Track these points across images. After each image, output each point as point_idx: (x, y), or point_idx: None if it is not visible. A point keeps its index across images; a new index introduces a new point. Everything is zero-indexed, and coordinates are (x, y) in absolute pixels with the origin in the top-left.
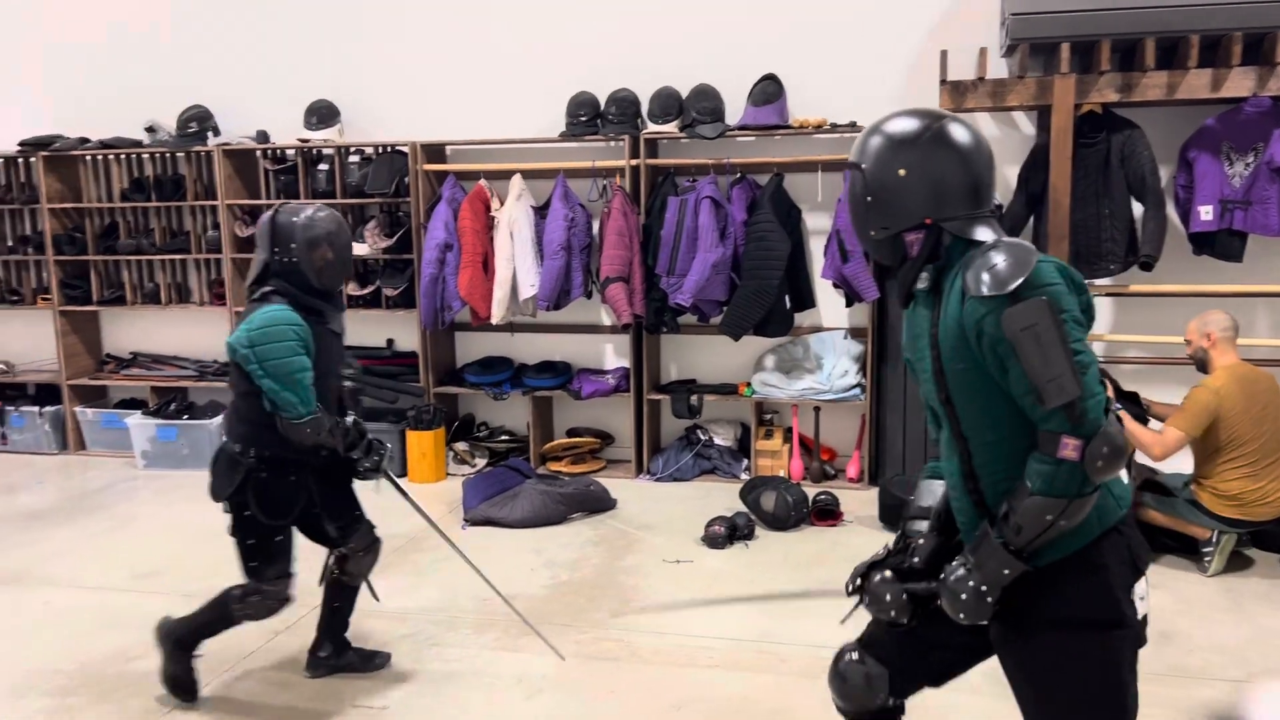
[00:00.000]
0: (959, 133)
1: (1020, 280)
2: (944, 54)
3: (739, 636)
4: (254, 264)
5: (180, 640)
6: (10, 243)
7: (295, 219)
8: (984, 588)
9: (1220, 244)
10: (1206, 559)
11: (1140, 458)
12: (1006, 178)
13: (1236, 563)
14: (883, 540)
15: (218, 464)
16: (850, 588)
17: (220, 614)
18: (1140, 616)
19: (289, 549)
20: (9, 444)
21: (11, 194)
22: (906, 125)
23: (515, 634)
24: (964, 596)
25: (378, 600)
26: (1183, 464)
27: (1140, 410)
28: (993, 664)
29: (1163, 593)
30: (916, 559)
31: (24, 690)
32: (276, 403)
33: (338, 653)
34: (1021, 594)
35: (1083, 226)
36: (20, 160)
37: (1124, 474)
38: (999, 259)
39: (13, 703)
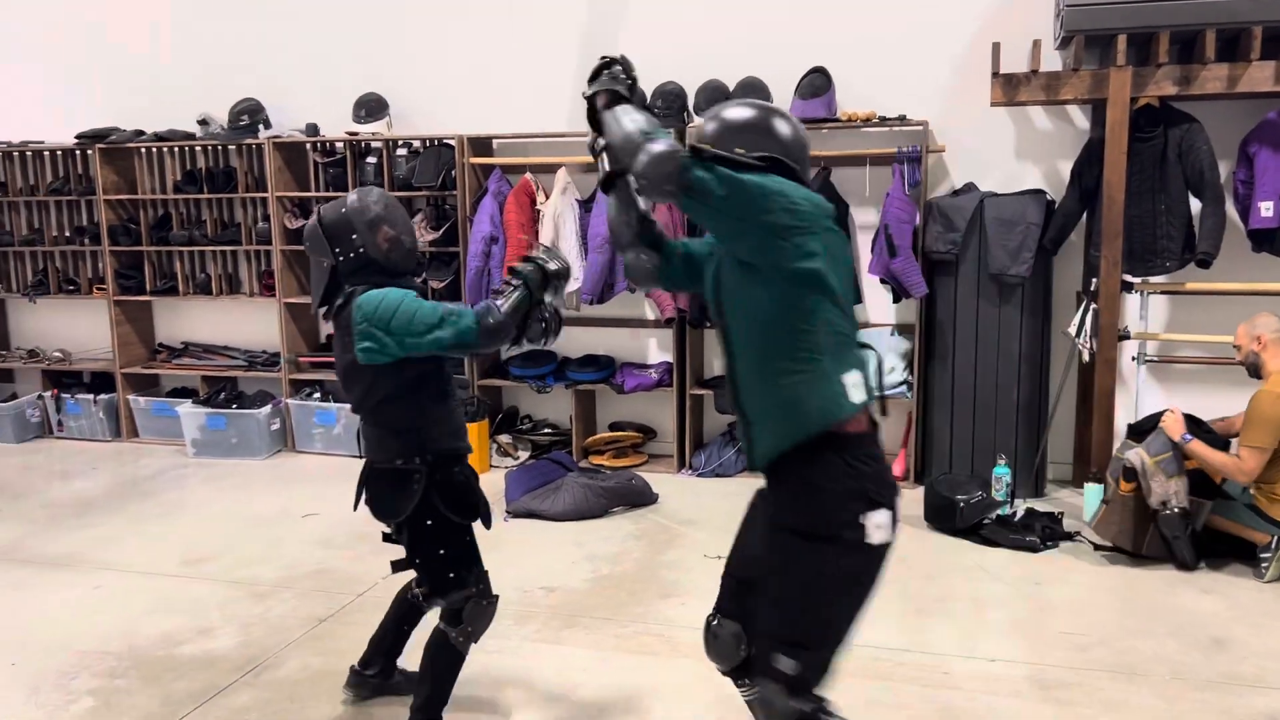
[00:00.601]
0: (782, 125)
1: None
2: (996, 46)
3: None
4: (315, 277)
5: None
6: (68, 233)
7: (344, 210)
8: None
9: None
10: (1264, 564)
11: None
12: (1060, 172)
13: None
14: (928, 541)
15: (378, 486)
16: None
17: (445, 664)
18: (878, 542)
19: (477, 548)
20: (65, 430)
21: (69, 186)
22: (742, 113)
23: (557, 626)
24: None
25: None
26: None
27: (1211, 436)
28: (1039, 671)
29: (1217, 598)
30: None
31: (75, 671)
32: (450, 342)
33: (385, 674)
34: (773, 508)
35: (1138, 223)
36: (78, 152)
37: (859, 392)
38: None
39: (64, 684)
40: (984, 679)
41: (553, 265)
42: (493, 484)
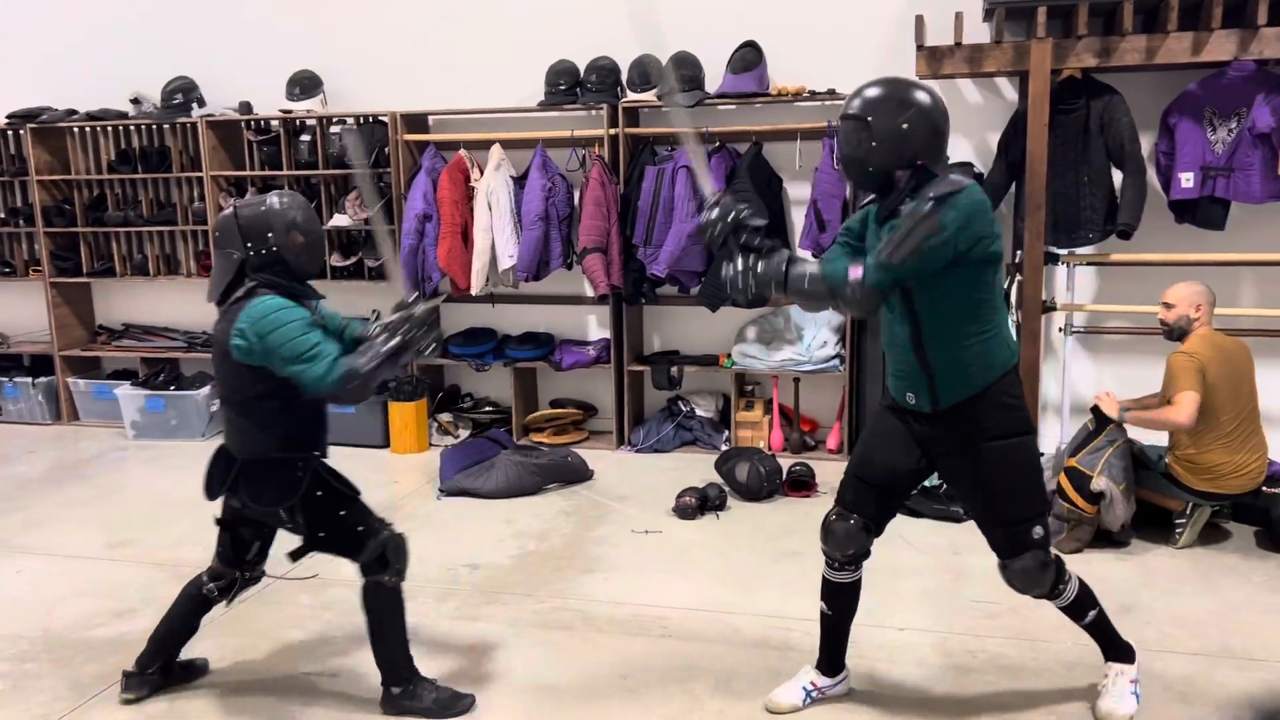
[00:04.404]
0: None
1: (945, 192)
2: (919, 19)
3: (696, 606)
4: (220, 268)
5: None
6: (1, 215)
7: (263, 208)
8: (754, 281)
9: (1202, 212)
10: (1178, 532)
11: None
12: (989, 145)
13: (1211, 536)
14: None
15: (256, 479)
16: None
17: (393, 612)
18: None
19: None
20: (4, 414)
21: (1, 166)
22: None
23: (476, 603)
24: (744, 280)
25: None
26: (1163, 436)
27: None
28: (944, 639)
29: (1131, 565)
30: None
31: None
32: (307, 384)
33: (166, 671)
34: (961, 426)
35: (1061, 195)
36: (9, 132)
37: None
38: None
39: None
40: (888, 648)
41: (419, 309)
42: (430, 463)
